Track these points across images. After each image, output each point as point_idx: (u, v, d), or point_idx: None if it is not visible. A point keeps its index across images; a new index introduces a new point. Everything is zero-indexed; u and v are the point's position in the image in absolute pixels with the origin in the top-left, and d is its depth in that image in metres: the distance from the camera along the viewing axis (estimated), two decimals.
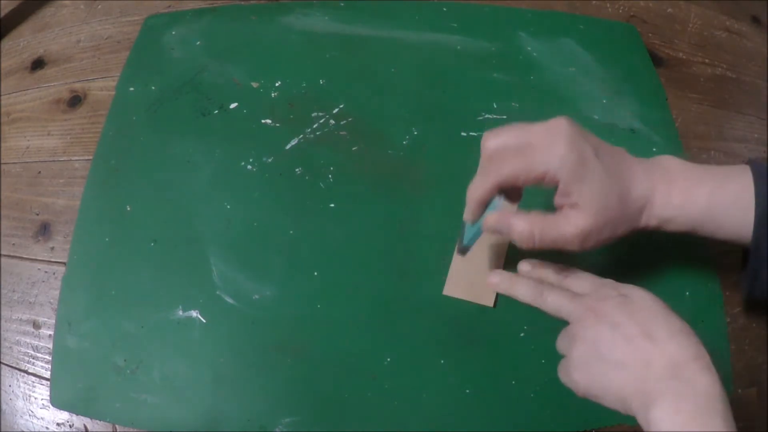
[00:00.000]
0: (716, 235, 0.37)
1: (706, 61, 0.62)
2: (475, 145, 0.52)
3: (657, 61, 0.60)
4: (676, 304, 0.48)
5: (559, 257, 0.40)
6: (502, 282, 0.43)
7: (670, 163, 0.38)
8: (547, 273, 0.43)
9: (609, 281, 0.39)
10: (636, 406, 0.32)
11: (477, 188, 0.37)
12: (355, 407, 0.43)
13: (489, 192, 0.36)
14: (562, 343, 0.38)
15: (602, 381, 0.34)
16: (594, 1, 0.64)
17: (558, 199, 0.37)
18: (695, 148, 0.56)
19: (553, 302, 0.39)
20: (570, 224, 0.36)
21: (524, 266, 0.44)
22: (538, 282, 0.41)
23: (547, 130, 0.35)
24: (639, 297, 0.36)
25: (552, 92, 0.56)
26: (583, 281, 0.40)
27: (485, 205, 0.38)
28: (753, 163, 0.37)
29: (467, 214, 0.39)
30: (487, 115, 0.54)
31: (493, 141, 0.37)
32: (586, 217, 0.35)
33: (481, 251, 0.47)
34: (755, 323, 0.49)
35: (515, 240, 0.38)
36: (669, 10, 0.65)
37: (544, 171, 0.34)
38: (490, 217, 0.38)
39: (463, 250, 0.44)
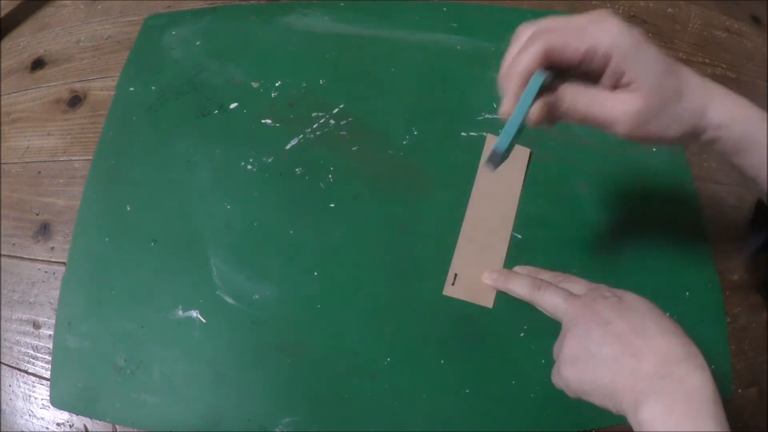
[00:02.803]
0: (757, 169, 0.34)
1: (706, 61, 0.63)
2: (475, 145, 0.52)
3: None
4: (676, 304, 0.49)
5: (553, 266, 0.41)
6: (499, 278, 0.44)
7: (719, 85, 0.34)
8: (543, 275, 0.43)
9: (602, 285, 0.39)
10: (626, 404, 0.31)
11: (521, 59, 0.31)
12: (355, 407, 0.43)
13: (534, 61, 0.31)
14: (556, 348, 0.38)
15: (592, 377, 0.33)
16: (594, 1, 0.64)
17: (606, 80, 0.32)
18: (695, 147, 0.56)
19: (549, 299, 0.39)
20: (622, 103, 0.32)
21: (520, 269, 0.44)
22: (534, 279, 0.42)
23: (595, 14, 0.32)
24: (632, 299, 0.36)
25: None
26: (577, 284, 0.41)
27: (527, 80, 0.32)
28: None
29: (505, 102, 0.33)
30: (487, 115, 0.54)
31: (535, 23, 0.33)
32: (639, 98, 0.31)
33: (481, 251, 0.48)
34: (755, 323, 0.49)
35: (562, 112, 0.33)
36: (669, 10, 0.65)
37: (595, 43, 0.31)
38: (543, 99, 0.32)
39: (496, 159, 0.34)
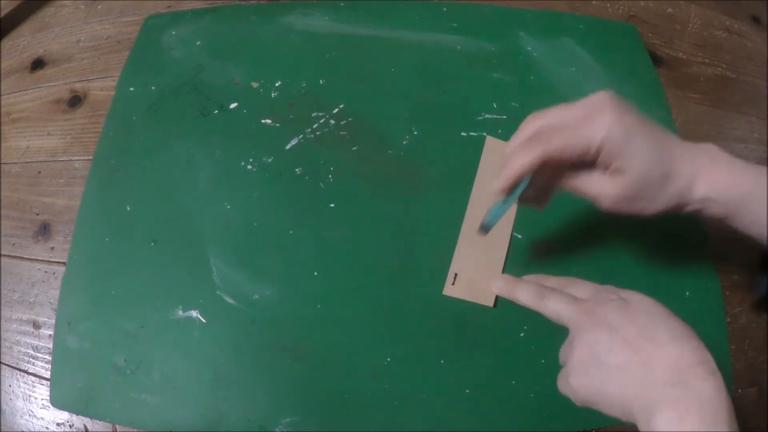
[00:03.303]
0: (750, 227, 0.36)
1: (706, 61, 0.63)
2: (475, 145, 0.52)
3: (657, 61, 0.60)
4: (676, 304, 0.48)
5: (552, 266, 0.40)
6: (504, 286, 0.43)
7: (712, 149, 0.37)
8: (549, 281, 0.42)
9: (609, 287, 0.38)
10: (637, 412, 0.31)
11: (520, 162, 0.35)
12: (355, 407, 0.43)
13: (532, 165, 0.35)
14: (563, 354, 0.37)
15: (601, 386, 0.33)
16: (594, 1, 0.64)
17: (599, 167, 0.36)
18: None
19: (553, 306, 0.38)
20: (605, 186, 0.36)
21: (526, 276, 0.44)
22: (539, 286, 0.41)
23: (592, 104, 0.35)
24: (639, 301, 0.35)
25: (552, 92, 0.56)
26: (582, 288, 0.40)
27: (521, 178, 0.36)
28: None
29: (501, 187, 0.37)
30: (487, 115, 0.54)
31: (537, 120, 0.37)
32: (622, 182, 0.35)
33: (481, 251, 0.48)
34: (755, 323, 0.49)
35: (554, 188, 0.38)
36: (669, 10, 0.65)
37: (589, 143, 0.34)
38: (536, 186, 0.37)
39: (486, 229, 0.41)
